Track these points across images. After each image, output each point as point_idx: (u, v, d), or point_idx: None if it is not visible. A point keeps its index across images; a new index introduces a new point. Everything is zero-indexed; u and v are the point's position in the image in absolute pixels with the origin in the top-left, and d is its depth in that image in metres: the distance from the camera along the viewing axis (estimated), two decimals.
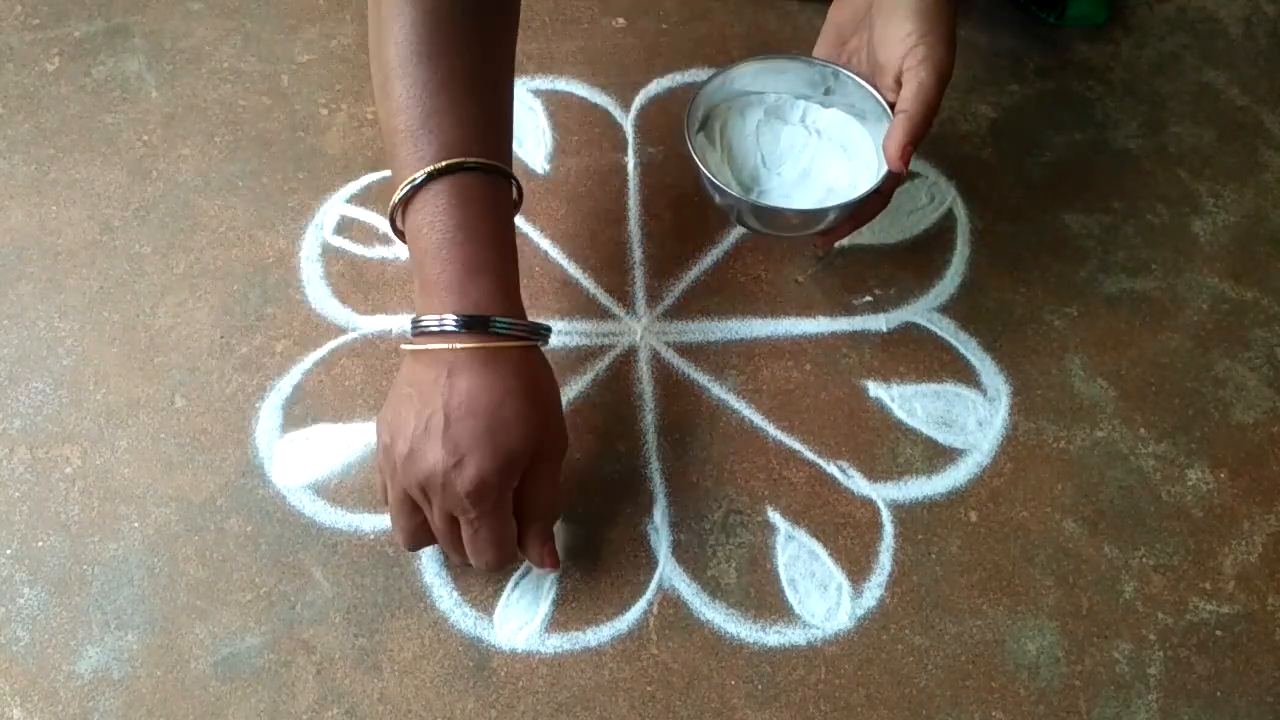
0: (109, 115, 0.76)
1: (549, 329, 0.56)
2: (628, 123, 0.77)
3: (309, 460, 0.62)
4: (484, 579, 0.59)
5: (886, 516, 0.61)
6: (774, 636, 0.57)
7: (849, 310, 0.69)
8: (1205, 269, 0.71)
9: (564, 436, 0.57)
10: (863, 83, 0.63)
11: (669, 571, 0.59)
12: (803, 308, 0.69)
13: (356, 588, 0.58)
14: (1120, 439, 0.64)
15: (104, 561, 0.59)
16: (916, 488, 0.62)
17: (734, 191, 0.61)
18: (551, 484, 0.56)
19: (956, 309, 0.69)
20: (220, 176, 0.73)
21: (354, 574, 0.59)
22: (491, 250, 0.53)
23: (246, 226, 0.71)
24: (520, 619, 0.58)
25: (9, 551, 0.59)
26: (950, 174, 0.75)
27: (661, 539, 0.60)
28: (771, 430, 0.64)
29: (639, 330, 0.68)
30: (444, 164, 0.52)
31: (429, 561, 0.59)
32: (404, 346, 0.54)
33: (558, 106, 0.78)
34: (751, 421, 0.64)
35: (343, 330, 0.67)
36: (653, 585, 0.59)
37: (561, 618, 0.58)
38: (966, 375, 0.66)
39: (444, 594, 0.58)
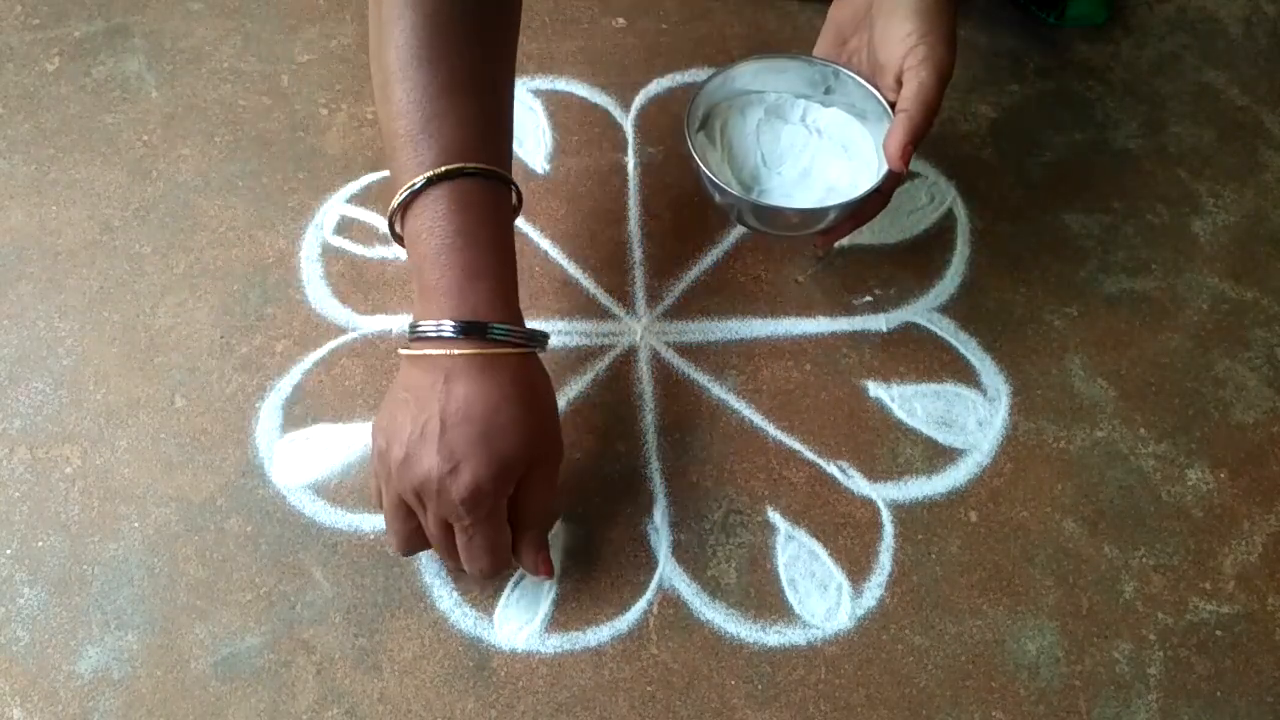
0: (109, 115, 0.76)
1: (547, 336, 0.56)
2: (628, 123, 0.77)
3: (309, 460, 0.62)
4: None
5: (886, 516, 0.61)
6: (774, 636, 0.57)
7: (849, 310, 0.69)
8: (1205, 269, 0.71)
9: (560, 444, 0.57)
10: (863, 82, 0.63)
11: (669, 571, 0.59)
12: (803, 308, 0.69)
13: (356, 588, 0.58)
14: (1120, 439, 0.64)
15: (104, 561, 0.59)
16: (916, 488, 0.62)
17: (734, 191, 0.61)
18: (547, 491, 0.56)
19: (956, 309, 0.69)
20: (220, 176, 0.73)
21: (354, 574, 0.59)
22: (490, 256, 0.53)
23: (246, 226, 0.71)
24: (520, 619, 0.58)
25: (9, 551, 0.59)
26: (950, 174, 0.75)
27: (661, 539, 0.60)
28: (771, 430, 0.64)
29: (639, 330, 0.68)
30: (443, 169, 0.52)
31: (429, 561, 0.59)
32: (401, 351, 0.54)
33: (558, 106, 0.78)
34: (751, 421, 0.64)
35: (343, 330, 0.67)
36: (653, 585, 0.59)
37: (561, 618, 0.58)
38: (966, 375, 0.66)
39: (444, 594, 0.58)
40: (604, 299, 0.69)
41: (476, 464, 0.51)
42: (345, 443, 0.63)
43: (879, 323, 0.68)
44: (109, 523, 0.60)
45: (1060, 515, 0.62)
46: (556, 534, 0.60)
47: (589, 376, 0.66)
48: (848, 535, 0.61)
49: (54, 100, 0.77)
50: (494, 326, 0.52)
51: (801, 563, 0.60)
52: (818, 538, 0.60)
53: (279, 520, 0.60)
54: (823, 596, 0.59)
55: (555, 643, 0.57)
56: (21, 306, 0.67)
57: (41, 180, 0.73)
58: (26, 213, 0.71)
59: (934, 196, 0.74)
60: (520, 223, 0.69)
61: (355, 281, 0.69)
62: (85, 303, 0.68)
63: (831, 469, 0.63)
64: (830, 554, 0.60)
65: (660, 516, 0.61)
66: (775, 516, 0.61)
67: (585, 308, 0.68)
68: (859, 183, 0.62)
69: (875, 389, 0.66)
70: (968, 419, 0.65)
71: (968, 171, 0.75)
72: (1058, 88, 0.80)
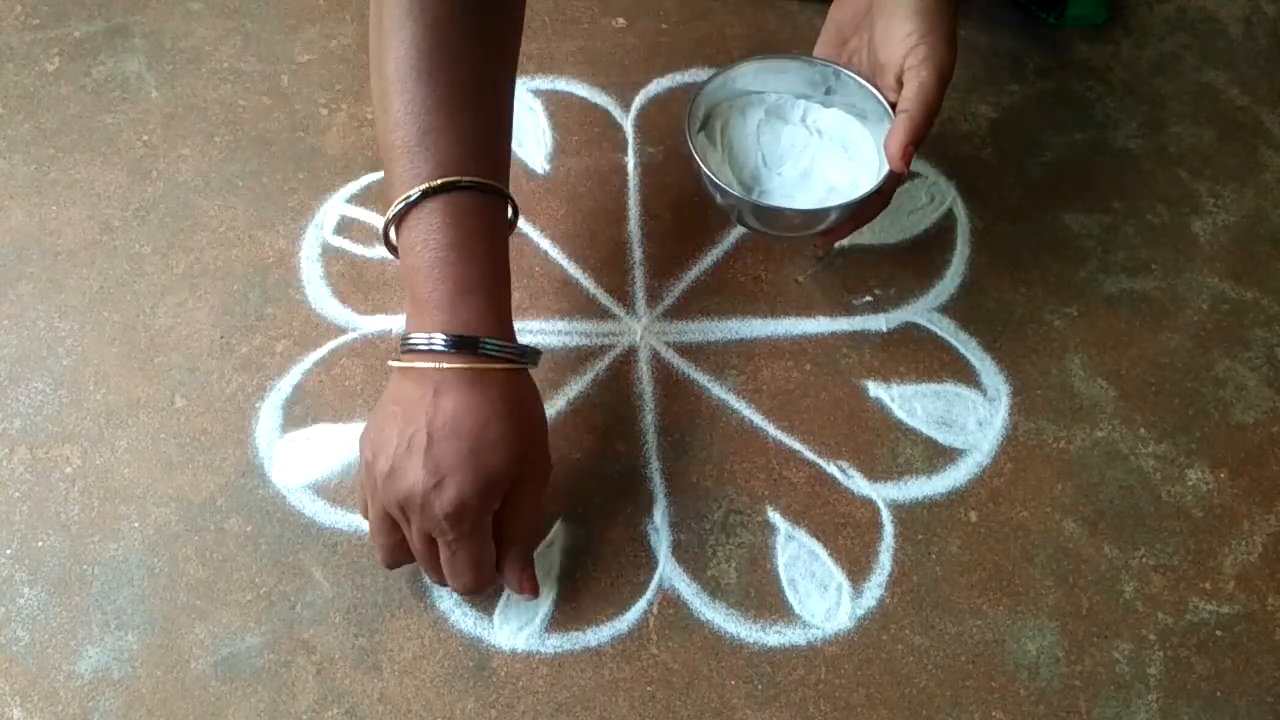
0: (109, 115, 0.76)
1: (539, 352, 0.55)
2: (628, 123, 0.77)
3: (309, 460, 0.62)
4: None
5: (886, 516, 0.61)
6: (774, 636, 0.57)
7: (849, 310, 0.69)
8: (1205, 269, 0.71)
9: (547, 461, 0.56)
10: (863, 82, 0.63)
11: (669, 571, 0.59)
12: (803, 308, 0.69)
13: (356, 588, 0.58)
14: (1120, 439, 0.64)
15: (104, 561, 0.59)
16: (916, 488, 0.62)
17: (735, 191, 0.61)
18: (533, 508, 0.56)
19: (956, 309, 0.69)
20: (220, 176, 0.73)
21: (354, 574, 0.59)
22: (484, 270, 0.53)
23: (246, 226, 0.71)
24: (520, 619, 0.58)
25: (9, 551, 0.59)
26: (950, 174, 0.75)
27: (661, 539, 0.60)
28: (771, 430, 0.64)
29: (639, 330, 0.68)
30: (439, 182, 0.51)
31: None
32: (391, 363, 0.54)
33: (558, 106, 0.78)
34: (751, 421, 0.64)
35: (343, 330, 0.67)
36: (653, 585, 0.59)
37: (561, 618, 0.58)
38: (966, 375, 0.66)
39: (444, 594, 0.58)
40: (604, 299, 0.69)
41: (462, 479, 0.50)
42: (345, 443, 0.63)
43: (879, 323, 0.68)
44: (109, 523, 0.60)
45: (1060, 515, 0.62)
46: (556, 534, 0.60)
47: (589, 376, 0.66)
48: (848, 535, 0.61)
49: (54, 100, 0.77)
50: (485, 341, 0.52)
51: (801, 563, 0.60)
52: (818, 538, 0.60)
53: (279, 520, 0.60)
54: (823, 596, 0.59)
55: (555, 643, 0.57)
56: (21, 306, 0.67)
57: (41, 180, 0.73)
58: (26, 213, 0.71)
59: (934, 196, 0.74)
60: (520, 223, 0.69)
61: (355, 281, 0.69)
62: (85, 303, 0.68)
63: (831, 469, 0.63)
64: (830, 554, 0.60)
65: (660, 516, 0.61)
66: (775, 516, 0.61)
67: (585, 308, 0.68)
68: (859, 183, 0.62)
69: (875, 389, 0.66)
70: (968, 419, 0.65)
71: (968, 171, 0.75)
72: (1058, 88, 0.80)
